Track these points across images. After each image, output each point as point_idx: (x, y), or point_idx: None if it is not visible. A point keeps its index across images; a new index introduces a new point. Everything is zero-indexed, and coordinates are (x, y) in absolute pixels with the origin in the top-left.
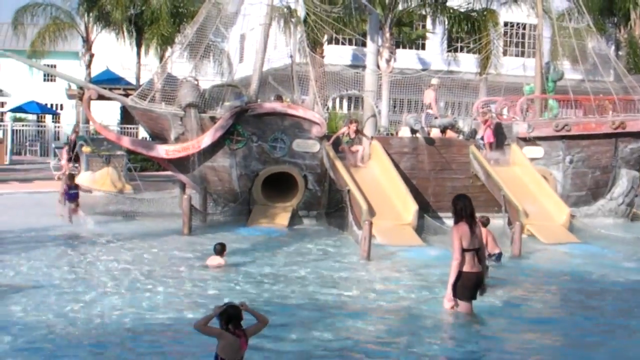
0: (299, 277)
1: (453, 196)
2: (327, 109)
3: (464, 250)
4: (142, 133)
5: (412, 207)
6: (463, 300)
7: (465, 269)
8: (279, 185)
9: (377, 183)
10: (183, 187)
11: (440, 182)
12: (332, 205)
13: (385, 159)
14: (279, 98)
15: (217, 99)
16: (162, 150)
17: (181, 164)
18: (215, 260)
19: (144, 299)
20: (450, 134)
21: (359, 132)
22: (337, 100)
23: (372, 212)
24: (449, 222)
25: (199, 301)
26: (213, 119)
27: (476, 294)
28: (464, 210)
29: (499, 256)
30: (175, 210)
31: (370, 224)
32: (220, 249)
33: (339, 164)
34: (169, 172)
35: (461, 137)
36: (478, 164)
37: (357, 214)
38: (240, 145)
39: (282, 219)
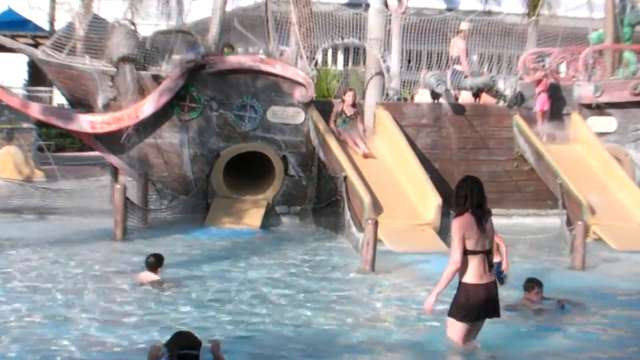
0: (274, 299)
1: (491, 185)
2: (316, 64)
3: (467, 253)
4: (59, 98)
5: (433, 200)
6: (462, 322)
7: (470, 279)
8: (249, 171)
9: (385, 167)
10: (115, 173)
11: (472, 166)
12: (322, 199)
13: (395, 134)
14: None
15: (163, 50)
16: (86, 122)
17: (112, 141)
18: (147, 277)
19: (47, 334)
20: (486, 98)
21: (356, 106)
22: (330, 52)
23: (377, 207)
24: None
25: (130, 336)
26: (157, 79)
27: (485, 313)
28: (470, 197)
29: (497, 271)
30: (104, 205)
31: (375, 223)
32: (154, 263)
33: (332, 141)
34: (95, 153)
35: (502, 103)
36: (525, 140)
37: (357, 210)
38: (194, 114)
39: (253, 217)
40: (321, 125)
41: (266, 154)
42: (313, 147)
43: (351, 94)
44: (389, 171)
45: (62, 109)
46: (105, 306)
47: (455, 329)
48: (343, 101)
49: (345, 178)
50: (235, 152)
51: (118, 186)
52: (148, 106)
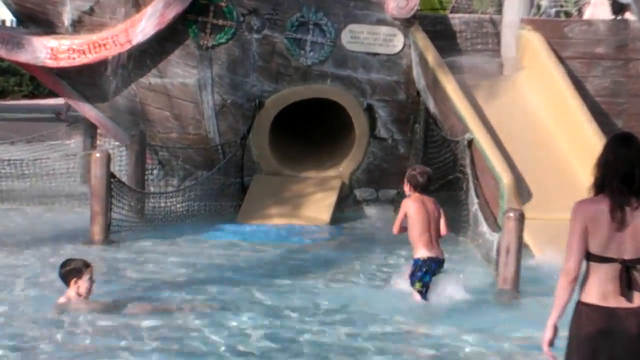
0: (356, 347)
1: None
2: None
3: (591, 258)
4: (2, 13)
5: None
6: None
7: (590, 298)
8: (311, 132)
9: (536, 127)
10: (92, 135)
11: None
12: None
13: (553, 72)
14: None
15: None
16: (44, 50)
17: (88, 81)
18: (68, 297)
19: None
20: None
21: None
22: None
23: (523, 191)
24: None
25: None
26: None
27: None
28: (613, 168)
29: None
30: (73, 187)
31: (520, 218)
32: (73, 271)
33: (448, 81)
34: (59, 101)
35: None
36: None
37: (490, 197)
38: (222, 38)
39: (319, 207)
40: (431, 55)
41: (340, 104)
42: (417, 93)
43: None
44: (543, 133)
45: (9, 30)
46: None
47: None
48: None
49: (470, 143)
50: (289, 101)
51: (97, 155)
52: (146, 24)
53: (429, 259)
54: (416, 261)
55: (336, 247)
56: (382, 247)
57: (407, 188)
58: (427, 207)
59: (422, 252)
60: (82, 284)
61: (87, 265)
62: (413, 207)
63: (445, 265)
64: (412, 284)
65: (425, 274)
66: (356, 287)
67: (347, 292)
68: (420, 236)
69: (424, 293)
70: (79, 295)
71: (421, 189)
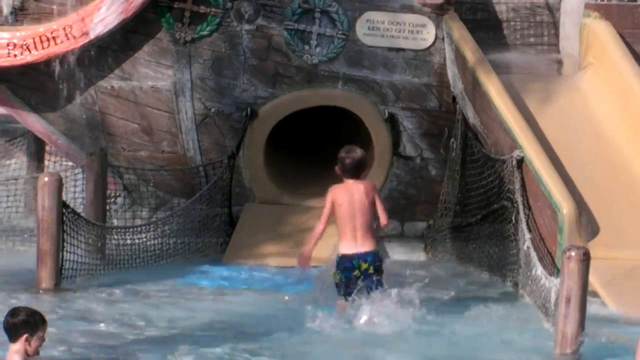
0: None
1: None
2: None
3: None
4: None
5: None
6: None
7: None
8: (318, 150)
9: (606, 142)
10: (38, 153)
11: None
12: (470, 206)
13: (627, 70)
14: None
15: None
16: None
17: (32, 85)
18: (12, 355)
19: None
20: None
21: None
22: None
23: (589, 225)
24: None
25: None
26: None
27: None
28: None
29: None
30: (18, 220)
31: (585, 258)
32: (27, 325)
33: (492, 85)
34: None
35: None
36: None
37: (546, 230)
38: (204, 29)
39: (328, 246)
40: (470, 51)
41: (354, 113)
42: (453, 99)
43: None
44: (613, 149)
45: None
46: None
47: None
48: None
49: (520, 162)
50: (289, 110)
51: (45, 180)
52: (107, 12)
53: (345, 256)
54: (337, 258)
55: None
56: (405, 296)
57: (337, 169)
58: (354, 196)
59: (340, 248)
60: (34, 342)
61: (43, 320)
62: (336, 197)
63: (486, 318)
64: (334, 276)
65: (342, 271)
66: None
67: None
68: (342, 229)
69: (342, 291)
70: (27, 355)
71: (348, 173)
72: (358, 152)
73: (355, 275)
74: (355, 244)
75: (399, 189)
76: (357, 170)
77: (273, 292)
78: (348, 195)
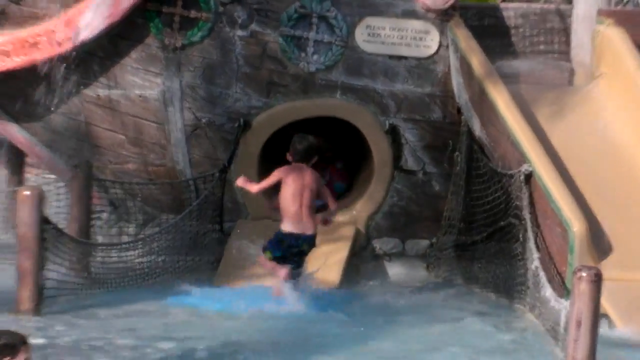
0: None
1: None
2: None
3: None
4: None
5: None
6: None
7: None
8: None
9: (616, 153)
10: (17, 165)
11: None
12: (476, 224)
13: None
14: None
15: None
16: None
17: (14, 94)
18: None
19: None
20: None
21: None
22: None
23: (599, 244)
24: None
25: None
26: None
27: None
28: None
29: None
30: None
31: (596, 278)
32: (5, 348)
33: (500, 96)
34: None
35: None
36: None
37: (556, 250)
38: (194, 35)
39: (326, 266)
40: (476, 59)
41: (353, 125)
42: (458, 110)
43: None
44: (627, 164)
45: None
46: None
47: None
48: None
49: (528, 177)
50: (285, 120)
51: (25, 194)
52: (94, 16)
53: (290, 234)
54: (277, 232)
55: (346, 322)
56: (409, 322)
57: (288, 155)
58: (302, 178)
59: (284, 225)
60: None
61: (23, 341)
62: (285, 176)
63: (497, 345)
64: (263, 250)
65: (278, 249)
66: None
67: None
68: (287, 208)
69: (276, 264)
70: None
71: (298, 156)
72: (310, 139)
73: (293, 253)
74: (301, 225)
75: (400, 204)
76: (308, 155)
77: (267, 314)
78: (296, 176)
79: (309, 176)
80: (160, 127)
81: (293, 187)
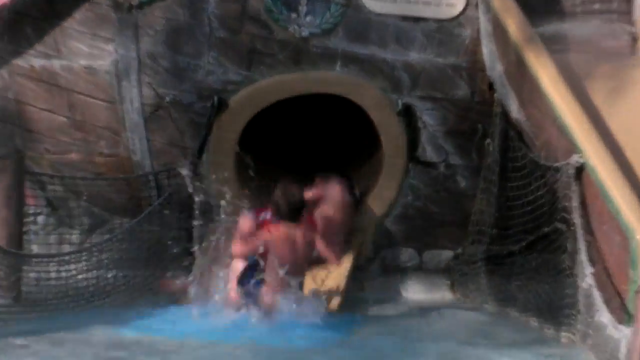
0: None
1: None
2: None
3: None
4: None
5: None
6: None
7: None
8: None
9: None
10: None
11: None
12: (513, 230)
13: None
14: None
15: None
16: None
17: None
18: None
19: None
20: None
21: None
22: None
23: None
24: None
25: None
26: None
27: None
28: None
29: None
30: None
31: None
32: None
33: (542, 65)
34: None
35: None
36: None
37: (613, 263)
38: None
39: (327, 283)
40: (513, 21)
41: (357, 104)
42: (489, 85)
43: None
44: None
45: None
46: None
47: None
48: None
49: (580, 171)
50: (270, 99)
51: None
52: None
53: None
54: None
55: (346, 357)
56: (427, 357)
57: (271, 210)
58: (286, 248)
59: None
60: None
61: None
62: (269, 245)
63: None
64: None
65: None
66: None
67: None
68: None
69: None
70: None
71: (282, 215)
72: (296, 193)
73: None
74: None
75: (416, 205)
76: (291, 212)
77: (246, 346)
78: (281, 245)
79: (298, 240)
80: (112, 107)
81: (273, 257)
